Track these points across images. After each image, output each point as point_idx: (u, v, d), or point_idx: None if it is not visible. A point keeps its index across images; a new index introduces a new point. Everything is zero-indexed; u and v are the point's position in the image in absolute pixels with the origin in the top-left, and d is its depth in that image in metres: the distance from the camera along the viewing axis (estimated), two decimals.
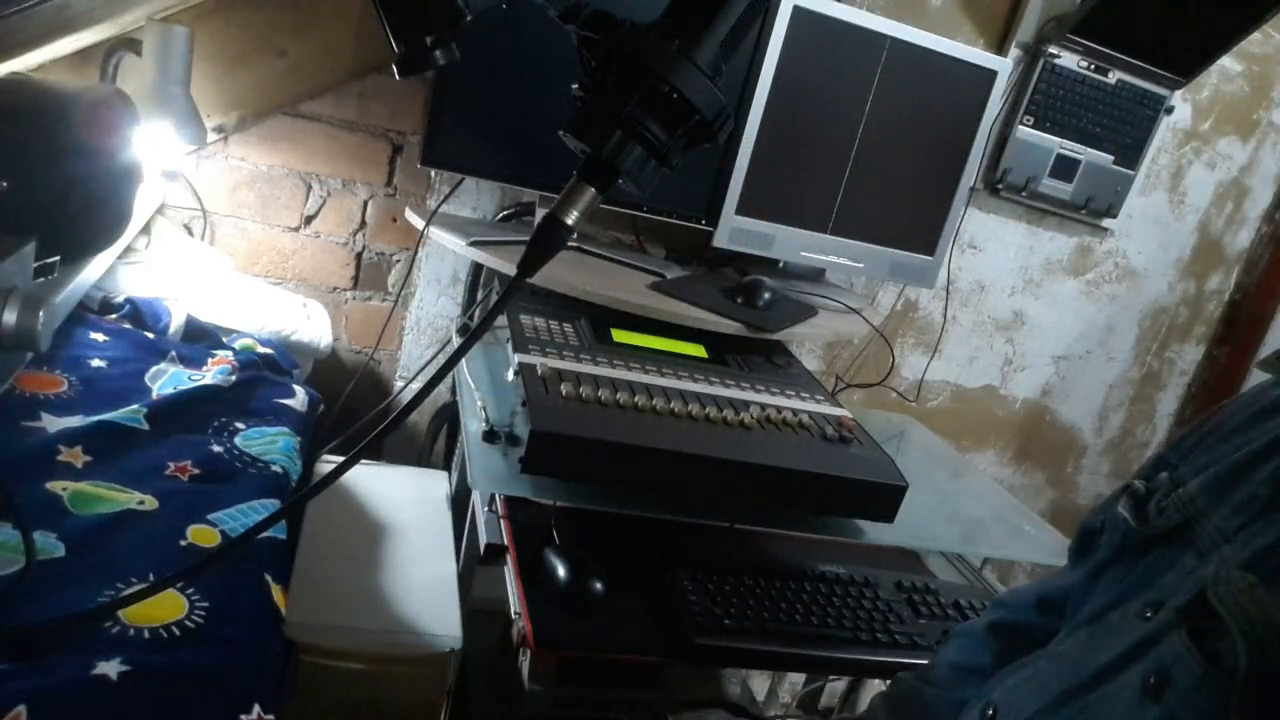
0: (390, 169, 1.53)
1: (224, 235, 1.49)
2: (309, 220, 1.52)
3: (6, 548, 0.74)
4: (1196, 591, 0.48)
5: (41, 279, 0.82)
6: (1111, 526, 0.65)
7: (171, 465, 0.94)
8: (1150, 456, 0.72)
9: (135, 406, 1.00)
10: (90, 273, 1.01)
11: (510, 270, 1.01)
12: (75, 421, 0.94)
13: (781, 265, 1.65)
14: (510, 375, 1.15)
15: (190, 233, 1.46)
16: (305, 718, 0.93)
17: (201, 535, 0.85)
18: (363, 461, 1.35)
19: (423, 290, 1.62)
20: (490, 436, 1.07)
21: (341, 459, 0.64)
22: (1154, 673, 0.48)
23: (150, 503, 0.87)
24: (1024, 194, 1.83)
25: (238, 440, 1.04)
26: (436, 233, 1.38)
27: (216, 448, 1.00)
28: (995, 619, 0.81)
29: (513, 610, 0.98)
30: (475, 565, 1.16)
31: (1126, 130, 1.84)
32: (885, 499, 1.09)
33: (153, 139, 1.17)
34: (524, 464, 0.97)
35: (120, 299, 1.21)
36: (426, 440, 1.64)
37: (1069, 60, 1.75)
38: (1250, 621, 0.43)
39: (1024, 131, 1.77)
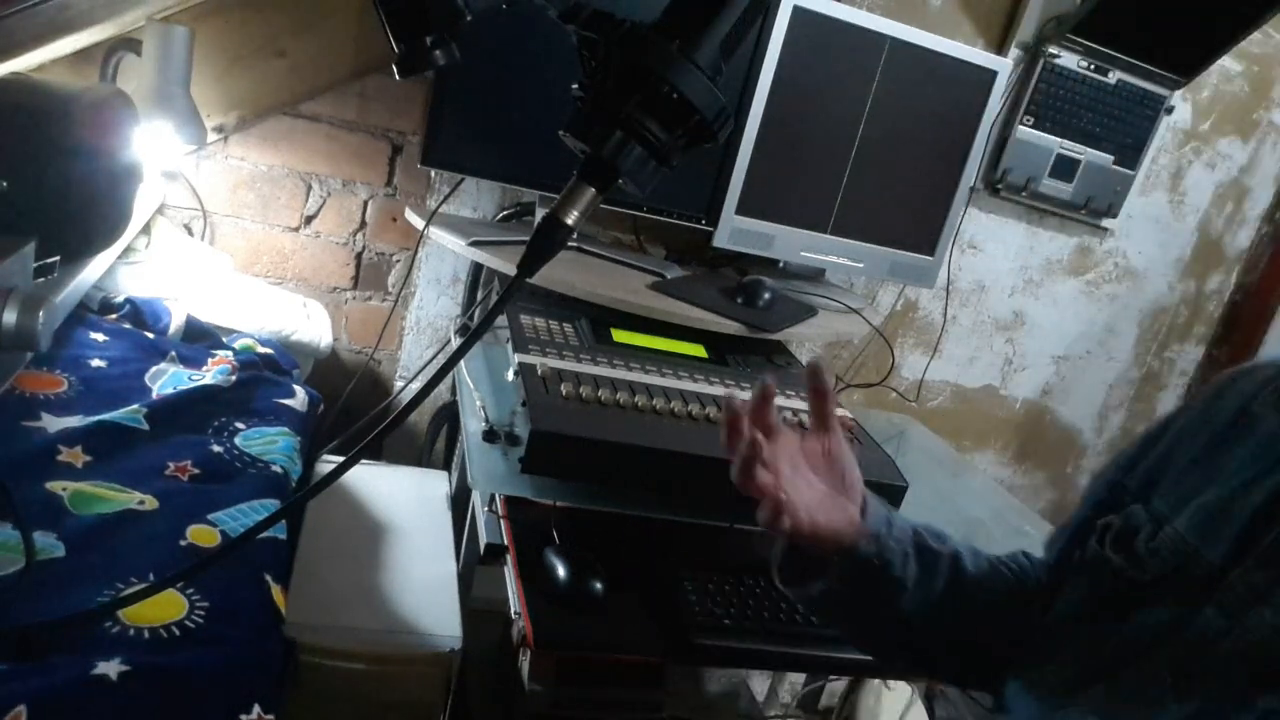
0: (390, 169, 1.53)
1: (224, 235, 1.49)
2: (309, 220, 1.52)
3: (6, 548, 0.74)
4: None
5: (41, 279, 0.82)
6: (1096, 563, 0.63)
7: (171, 465, 0.94)
8: (1100, 481, 0.70)
9: (135, 406, 1.00)
10: (90, 273, 1.01)
11: (510, 270, 1.01)
12: (75, 421, 0.94)
13: (781, 265, 1.65)
14: (510, 375, 1.14)
15: (190, 233, 1.46)
16: (305, 718, 0.93)
17: (201, 535, 0.85)
18: (363, 461, 1.34)
19: (423, 290, 1.62)
20: (490, 436, 1.07)
21: (341, 459, 0.64)
22: None
23: (150, 503, 0.87)
24: (1024, 194, 1.83)
25: (238, 440, 1.04)
26: (436, 233, 1.38)
27: (216, 448, 1.00)
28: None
29: (513, 610, 0.98)
30: (475, 565, 1.16)
31: (1126, 130, 1.84)
32: (885, 499, 1.09)
33: (153, 139, 1.17)
34: (524, 464, 0.97)
35: (120, 299, 1.21)
36: (426, 440, 1.64)
37: (1069, 60, 1.75)
38: None
39: (1024, 131, 1.77)
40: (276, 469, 1.01)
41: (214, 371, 1.14)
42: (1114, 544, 0.62)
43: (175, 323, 1.23)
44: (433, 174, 1.54)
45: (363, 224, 1.55)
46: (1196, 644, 0.53)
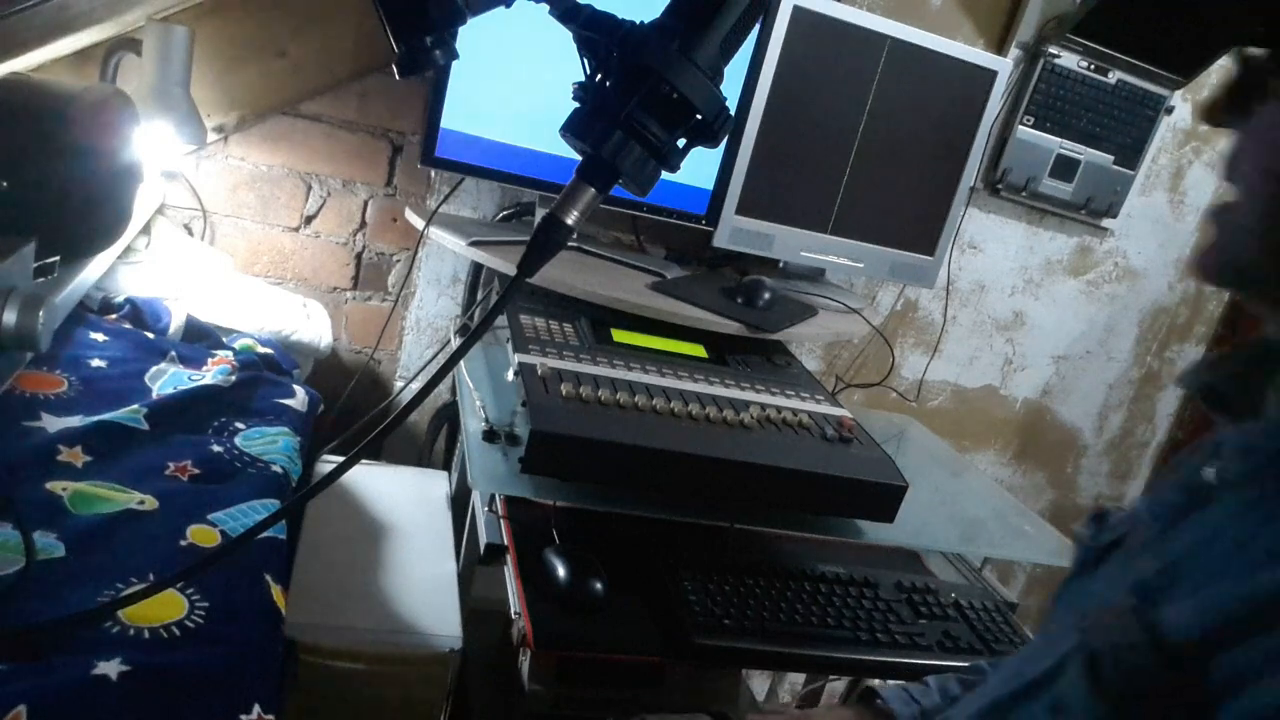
0: (390, 169, 1.53)
1: (224, 235, 1.49)
2: (309, 220, 1.52)
3: (6, 548, 0.74)
4: (1089, 620, 0.51)
5: (41, 279, 0.82)
6: (1076, 545, 0.69)
7: (171, 465, 0.94)
8: None
9: (135, 406, 1.00)
10: (90, 273, 1.01)
11: (510, 270, 1.01)
12: (75, 421, 0.94)
13: (781, 265, 1.65)
14: (510, 375, 1.15)
15: (190, 233, 1.46)
16: (305, 718, 0.93)
17: (201, 535, 0.85)
18: (363, 461, 1.35)
19: (423, 290, 1.62)
20: (490, 436, 1.07)
21: (341, 459, 0.64)
22: (1057, 696, 0.52)
23: (150, 503, 0.87)
24: (1024, 194, 1.83)
25: (238, 440, 1.04)
26: (436, 233, 1.38)
27: (216, 448, 1.00)
28: None
29: (513, 610, 0.98)
30: (475, 565, 1.16)
31: (1126, 130, 1.84)
32: (885, 499, 1.09)
33: (153, 139, 1.17)
34: (524, 464, 0.97)
35: (120, 299, 1.21)
36: (426, 440, 1.64)
37: (1069, 60, 1.75)
38: (1117, 648, 0.47)
39: (1024, 131, 1.77)
40: (276, 469, 1.01)
41: (214, 371, 1.14)
42: (1090, 522, 0.67)
43: (175, 323, 1.23)
44: (433, 174, 1.54)
45: (363, 224, 1.55)
46: (1101, 593, 0.58)
